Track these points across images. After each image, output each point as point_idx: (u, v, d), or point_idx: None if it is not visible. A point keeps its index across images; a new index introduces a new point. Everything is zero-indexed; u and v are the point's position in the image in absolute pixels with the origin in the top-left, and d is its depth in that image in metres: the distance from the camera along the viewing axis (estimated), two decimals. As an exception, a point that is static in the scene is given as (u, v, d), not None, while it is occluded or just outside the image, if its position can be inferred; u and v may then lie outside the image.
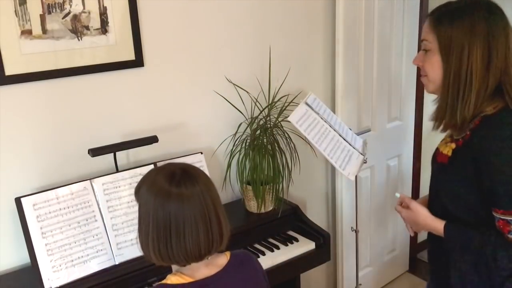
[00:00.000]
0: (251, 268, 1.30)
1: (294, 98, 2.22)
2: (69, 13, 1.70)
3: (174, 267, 1.23)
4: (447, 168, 1.37)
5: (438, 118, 1.36)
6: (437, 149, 1.46)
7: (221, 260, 1.24)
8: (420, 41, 1.45)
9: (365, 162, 2.02)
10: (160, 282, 1.19)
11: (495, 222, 1.28)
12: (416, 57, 1.41)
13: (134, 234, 1.74)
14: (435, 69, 1.32)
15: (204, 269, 1.20)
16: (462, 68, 1.27)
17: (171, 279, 1.18)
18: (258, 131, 2.07)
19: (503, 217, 1.26)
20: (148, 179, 1.19)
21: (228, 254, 1.26)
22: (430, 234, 1.50)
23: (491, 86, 1.27)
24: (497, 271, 1.31)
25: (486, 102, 1.29)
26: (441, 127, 1.37)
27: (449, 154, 1.36)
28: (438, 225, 1.39)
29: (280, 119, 2.09)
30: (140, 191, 1.19)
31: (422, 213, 1.44)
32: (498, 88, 1.28)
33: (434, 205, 1.47)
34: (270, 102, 2.13)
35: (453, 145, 1.35)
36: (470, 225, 1.34)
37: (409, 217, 1.49)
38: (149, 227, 1.13)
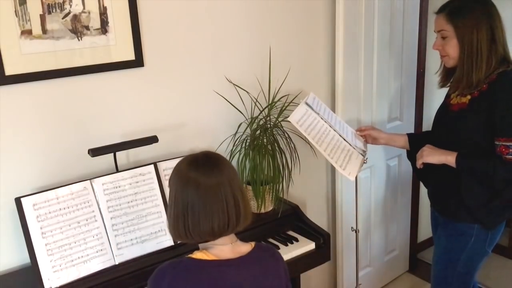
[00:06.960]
0: (272, 258, 1.37)
1: (294, 98, 2.23)
2: (69, 13, 1.70)
3: (201, 245, 1.31)
4: (466, 112, 1.79)
5: (456, 83, 1.82)
6: (446, 105, 1.91)
7: (246, 248, 1.32)
8: (437, 31, 1.86)
9: (365, 162, 2.02)
10: (187, 256, 1.26)
11: (496, 149, 1.73)
12: (435, 44, 1.86)
13: (134, 234, 1.75)
14: (454, 49, 1.79)
15: (229, 253, 1.28)
16: (473, 45, 1.74)
17: (196, 255, 1.27)
18: (258, 131, 2.07)
19: (504, 143, 1.71)
20: (177, 165, 1.31)
21: (253, 244, 1.35)
22: (432, 174, 1.97)
23: (500, 53, 1.76)
24: (497, 182, 1.75)
25: (498, 65, 1.75)
26: (459, 89, 1.81)
27: (467, 102, 1.79)
28: (451, 154, 1.80)
29: (280, 119, 2.09)
30: (171, 175, 1.31)
31: (437, 148, 1.90)
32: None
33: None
34: (270, 102, 2.13)
35: (469, 97, 1.79)
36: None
37: (428, 150, 1.87)
38: (172, 206, 1.26)
